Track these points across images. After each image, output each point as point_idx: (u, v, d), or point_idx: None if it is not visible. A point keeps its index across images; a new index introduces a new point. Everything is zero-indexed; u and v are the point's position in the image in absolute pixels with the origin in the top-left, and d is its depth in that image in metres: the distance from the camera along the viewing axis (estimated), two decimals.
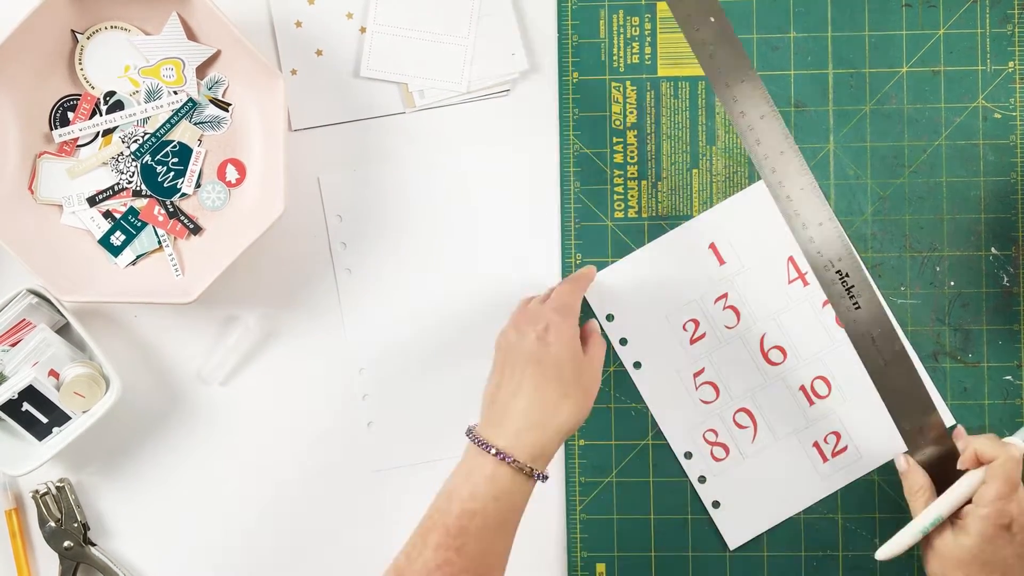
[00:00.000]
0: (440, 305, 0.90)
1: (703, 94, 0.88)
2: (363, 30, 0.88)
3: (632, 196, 0.89)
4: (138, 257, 0.88)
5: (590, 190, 0.89)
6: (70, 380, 0.85)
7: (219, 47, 0.86)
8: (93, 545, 0.90)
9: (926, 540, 0.79)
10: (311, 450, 0.90)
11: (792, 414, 0.89)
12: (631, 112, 0.89)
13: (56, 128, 0.86)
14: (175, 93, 0.86)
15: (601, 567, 0.90)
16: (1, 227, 0.83)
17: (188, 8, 0.84)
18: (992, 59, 0.88)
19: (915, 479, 0.81)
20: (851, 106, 0.88)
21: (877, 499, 0.89)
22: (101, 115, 0.87)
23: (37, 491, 0.89)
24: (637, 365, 0.89)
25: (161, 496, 0.90)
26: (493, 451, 0.74)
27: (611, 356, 0.89)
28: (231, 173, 0.87)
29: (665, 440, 0.89)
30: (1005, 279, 0.88)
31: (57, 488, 0.89)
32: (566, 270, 0.89)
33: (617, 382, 0.89)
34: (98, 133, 0.87)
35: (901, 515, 0.82)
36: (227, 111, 0.87)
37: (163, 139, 0.87)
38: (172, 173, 0.87)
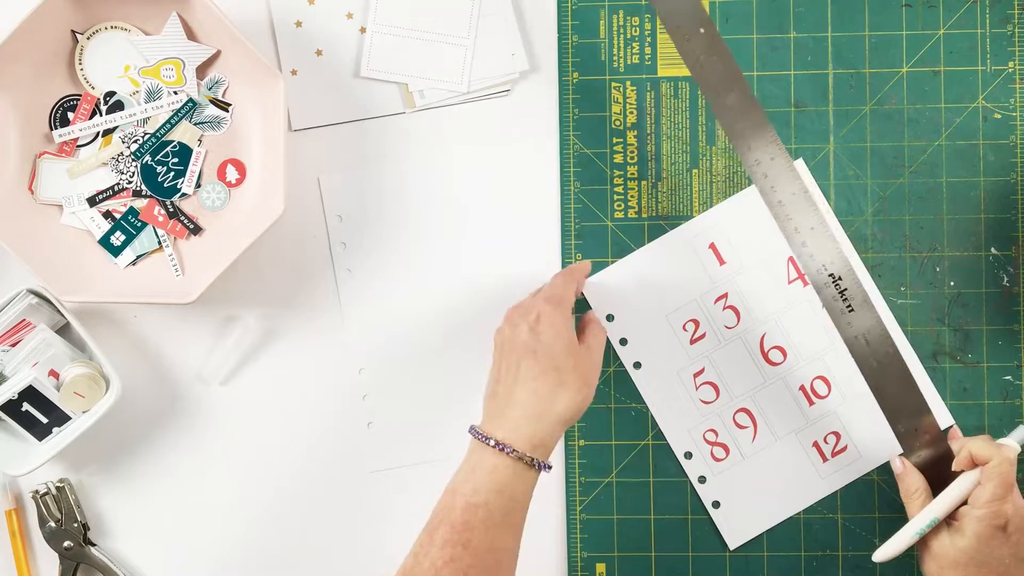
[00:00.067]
0: (440, 305, 0.89)
1: (703, 94, 0.88)
2: (363, 30, 0.88)
3: (632, 196, 0.89)
4: (138, 257, 0.88)
5: (590, 190, 0.89)
6: (70, 380, 0.85)
7: (219, 47, 0.85)
8: (93, 545, 0.90)
9: (922, 541, 0.80)
10: (311, 450, 0.90)
11: (792, 414, 0.89)
12: (631, 112, 0.89)
13: (56, 128, 0.86)
14: (175, 93, 0.86)
15: (601, 567, 0.90)
16: (1, 227, 0.83)
17: (188, 8, 0.84)
18: (992, 59, 0.88)
19: (911, 481, 0.81)
20: (851, 106, 0.88)
21: (877, 499, 0.89)
22: (101, 115, 0.87)
23: (37, 491, 0.89)
24: (637, 365, 0.89)
25: (161, 496, 0.90)
26: (492, 443, 0.74)
27: (611, 356, 0.89)
28: (231, 173, 0.87)
29: (665, 440, 0.89)
30: (1005, 279, 0.88)
31: (57, 488, 0.89)
32: None
33: (617, 382, 0.89)
34: (98, 133, 0.87)
35: (901, 515, 0.82)
36: (227, 111, 0.87)
37: (163, 139, 0.87)
38: (172, 173, 0.87)
